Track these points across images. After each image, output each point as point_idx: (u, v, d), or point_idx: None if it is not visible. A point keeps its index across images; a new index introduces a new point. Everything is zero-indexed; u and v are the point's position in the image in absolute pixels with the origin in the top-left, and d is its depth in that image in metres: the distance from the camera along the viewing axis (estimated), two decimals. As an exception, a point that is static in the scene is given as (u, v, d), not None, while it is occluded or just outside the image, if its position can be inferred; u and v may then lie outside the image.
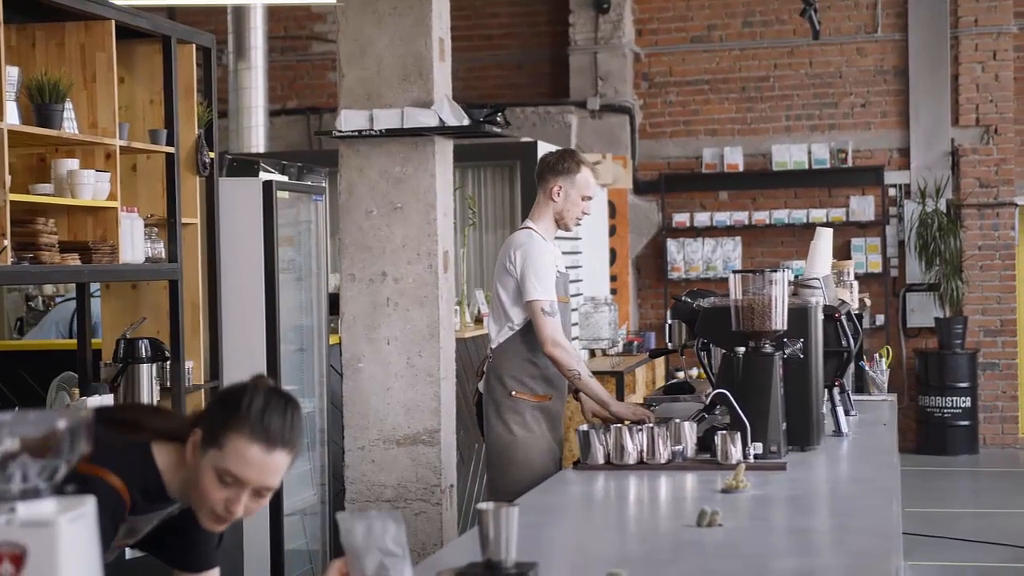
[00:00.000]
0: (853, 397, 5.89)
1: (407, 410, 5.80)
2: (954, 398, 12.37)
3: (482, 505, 2.71)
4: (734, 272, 4.45)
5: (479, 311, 8.09)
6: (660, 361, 11.35)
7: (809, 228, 12.70)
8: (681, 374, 12.15)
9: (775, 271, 4.42)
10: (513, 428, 5.21)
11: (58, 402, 5.62)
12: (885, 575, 2.78)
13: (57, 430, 1.73)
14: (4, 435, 1.71)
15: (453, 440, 6.02)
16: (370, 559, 2.56)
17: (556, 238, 5.48)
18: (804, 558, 3.09)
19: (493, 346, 5.34)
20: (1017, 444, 12.75)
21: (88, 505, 1.75)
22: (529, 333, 5.20)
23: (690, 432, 4.35)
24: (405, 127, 5.80)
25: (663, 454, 4.25)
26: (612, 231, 12.50)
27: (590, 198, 5.37)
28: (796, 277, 5.32)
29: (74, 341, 5.81)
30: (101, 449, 2.59)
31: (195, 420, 2.71)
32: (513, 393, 5.22)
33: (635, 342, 10.91)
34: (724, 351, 4.51)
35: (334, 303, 6.41)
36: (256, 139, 10.76)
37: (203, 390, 5.89)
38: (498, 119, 6.11)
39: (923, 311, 12.74)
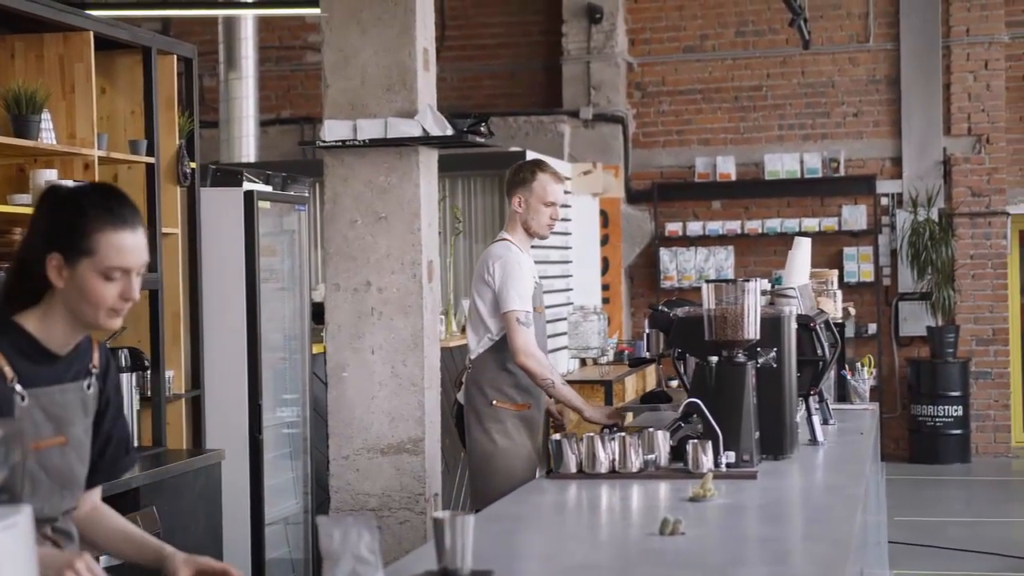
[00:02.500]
0: (835, 406, 5.89)
1: (391, 419, 5.81)
2: (946, 407, 12.37)
3: (438, 514, 2.73)
4: (707, 282, 4.46)
5: (465, 320, 8.11)
6: (651, 370, 11.35)
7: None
8: (674, 383, 12.16)
9: (748, 281, 4.43)
10: (495, 437, 5.24)
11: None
12: (840, 583, 2.79)
13: (-10, 439, 1.75)
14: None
15: (438, 449, 6.03)
16: (343, 564, 2.59)
17: (534, 247, 5.51)
18: (762, 566, 3.10)
19: (472, 356, 5.40)
20: (1009, 453, 12.75)
21: (23, 515, 1.76)
22: (507, 343, 5.23)
23: (663, 441, 4.36)
24: (388, 137, 5.82)
25: (635, 463, 4.26)
26: (605, 240, 12.52)
27: (553, 204, 5.39)
28: (773, 286, 5.34)
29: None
30: None
31: (39, 251, 2.72)
32: (494, 403, 5.27)
33: (626, 351, 10.92)
34: (697, 360, 4.53)
35: (321, 312, 6.44)
36: (247, 149, 10.78)
37: (184, 399, 5.90)
38: (482, 129, 6.12)
39: (915, 320, 12.75)
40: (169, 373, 5.72)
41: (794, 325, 4.72)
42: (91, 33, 5.15)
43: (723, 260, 12.99)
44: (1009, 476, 12.12)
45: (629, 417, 5.37)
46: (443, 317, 7.92)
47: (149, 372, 5.57)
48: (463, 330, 7.99)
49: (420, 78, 5.95)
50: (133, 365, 5.42)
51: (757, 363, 4.47)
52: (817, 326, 5.01)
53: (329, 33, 6.04)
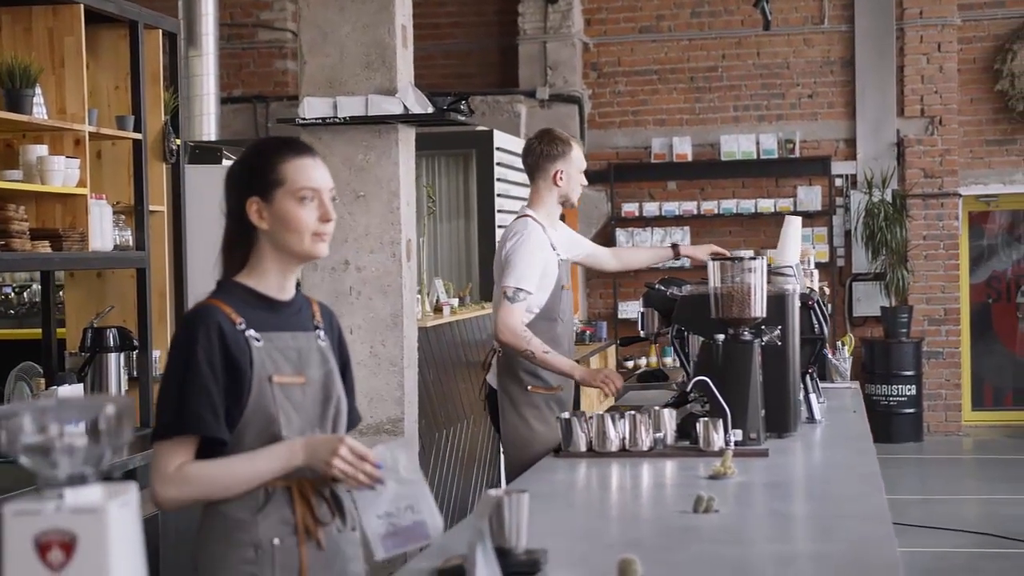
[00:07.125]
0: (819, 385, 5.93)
1: (370, 400, 5.78)
2: (899, 386, 12.51)
3: (493, 491, 2.70)
4: (713, 259, 4.45)
5: (438, 300, 8.07)
6: (611, 351, 11.39)
7: (757, 218, 12.81)
8: (643, 361, 12.20)
9: (754, 258, 4.43)
10: (532, 423, 5.14)
11: (17, 392, 5.54)
12: (890, 558, 2.79)
13: (104, 415, 1.71)
14: (50, 421, 1.69)
15: (415, 429, 6.01)
16: (386, 493, 2.57)
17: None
18: (808, 543, 3.11)
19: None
20: (960, 431, 12.91)
21: (132, 492, 1.72)
22: (539, 324, 5.14)
23: (670, 419, 4.36)
24: (369, 115, 5.76)
25: (645, 442, 4.25)
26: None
27: (584, 170, 5.45)
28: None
29: (39, 331, 5.72)
30: None
31: (239, 204, 2.90)
32: (529, 388, 5.16)
33: (587, 331, 10.94)
34: (703, 339, 4.52)
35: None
36: (207, 127, 10.62)
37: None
38: (462, 107, 6.09)
39: (869, 300, 12.87)
40: (156, 353, 5.63)
41: (797, 303, 4.73)
42: (81, 6, 5.04)
43: (679, 241, 13.01)
44: (960, 454, 12.28)
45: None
46: (418, 297, 7.87)
47: (136, 352, 5.48)
48: (437, 310, 7.95)
49: (399, 55, 5.90)
50: (121, 345, 5.33)
51: (763, 341, 4.46)
52: (814, 304, 5.03)
53: (306, 9, 5.97)
